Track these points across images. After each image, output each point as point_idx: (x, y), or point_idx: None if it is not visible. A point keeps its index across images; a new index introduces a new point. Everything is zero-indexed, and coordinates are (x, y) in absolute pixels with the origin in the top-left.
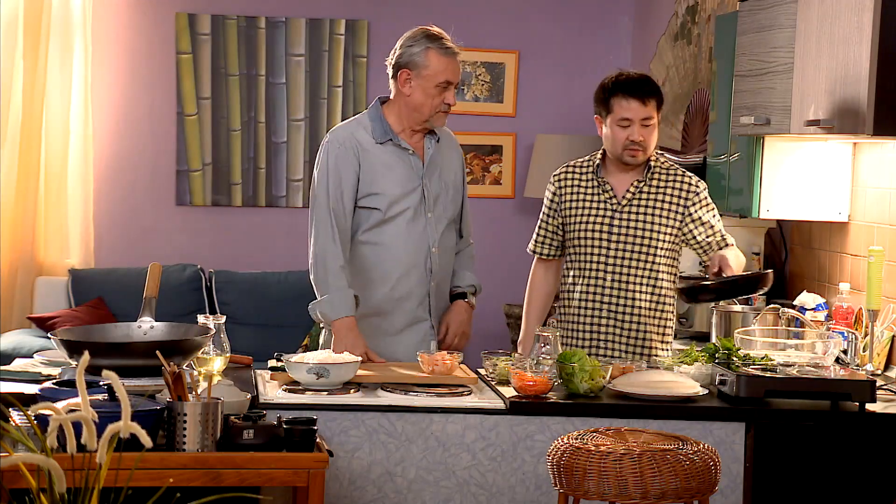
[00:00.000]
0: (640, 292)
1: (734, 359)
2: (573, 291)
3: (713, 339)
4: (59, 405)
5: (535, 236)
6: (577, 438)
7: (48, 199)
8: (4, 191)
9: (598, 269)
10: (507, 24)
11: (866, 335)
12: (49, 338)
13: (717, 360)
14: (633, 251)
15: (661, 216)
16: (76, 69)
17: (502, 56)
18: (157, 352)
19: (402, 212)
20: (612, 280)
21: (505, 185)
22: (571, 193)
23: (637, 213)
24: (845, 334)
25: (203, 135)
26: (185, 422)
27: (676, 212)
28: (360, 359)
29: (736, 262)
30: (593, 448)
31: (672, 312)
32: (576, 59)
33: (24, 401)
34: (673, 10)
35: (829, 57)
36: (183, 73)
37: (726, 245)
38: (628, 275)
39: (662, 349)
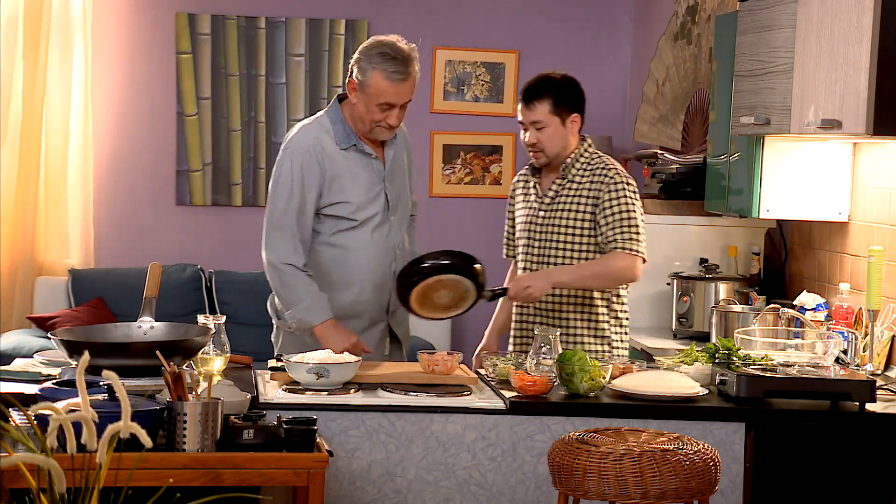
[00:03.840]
0: (568, 295)
1: (734, 359)
2: None
3: (713, 339)
4: (59, 405)
5: (503, 241)
6: (577, 438)
7: (48, 199)
8: (4, 191)
9: (525, 268)
10: (507, 24)
11: (866, 335)
12: (49, 338)
13: (717, 360)
14: (555, 248)
15: (579, 212)
16: (76, 69)
17: (502, 56)
18: (157, 352)
19: (370, 218)
20: None
21: (505, 186)
22: (515, 197)
23: (557, 211)
24: (845, 334)
25: (203, 135)
26: (185, 422)
27: (595, 205)
28: (359, 359)
29: (572, 274)
30: (593, 448)
31: (607, 308)
32: (576, 59)
33: (24, 401)
34: (673, 10)
35: (829, 57)
36: (183, 73)
37: (612, 249)
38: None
39: (596, 346)
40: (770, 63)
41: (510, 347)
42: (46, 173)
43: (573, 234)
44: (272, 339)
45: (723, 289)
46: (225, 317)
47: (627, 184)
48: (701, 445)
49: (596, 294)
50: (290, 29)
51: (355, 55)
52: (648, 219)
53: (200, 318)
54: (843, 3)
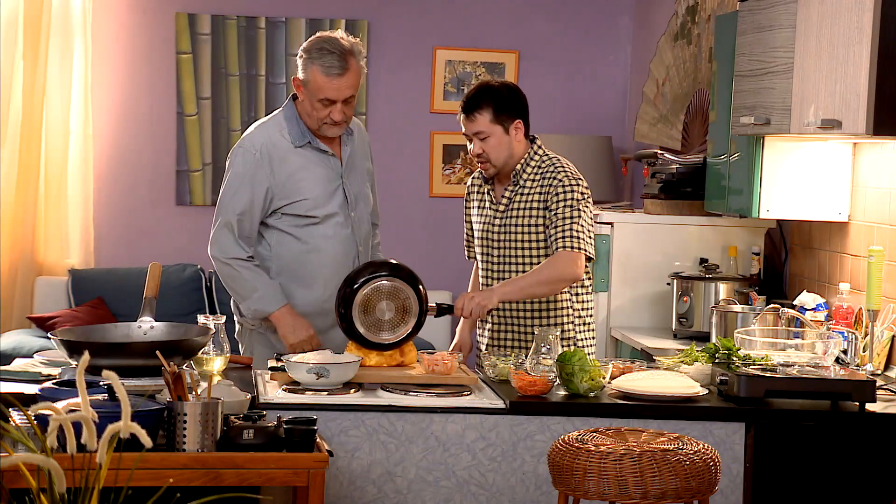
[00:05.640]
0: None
1: (734, 359)
2: None
3: (713, 339)
4: (59, 405)
5: (464, 243)
6: (577, 438)
7: (48, 199)
8: (4, 191)
9: (486, 276)
10: (507, 24)
11: (866, 335)
12: (49, 338)
13: (717, 360)
14: (513, 255)
15: (532, 217)
16: (76, 69)
17: (502, 56)
18: (157, 352)
19: (331, 215)
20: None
21: None
22: (471, 202)
23: (512, 219)
24: (845, 334)
25: (203, 135)
26: (185, 422)
27: (546, 209)
28: (359, 358)
29: (515, 285)
30: (593, 448)
31: (571, 309)
32: (576, 59)
33: (24, 401)
34: (673, 10)
35: (829, 57)
36: (183, 73)
37: (556, 248)
38: (513, 273)
39: (563, 347)
40: (770, 63)
41: (483, 349)
42: (46, 173)
43: (529, 241)
44: (236, 337)
45: (723, 289)
46: (225, 317)
47: (576, 183)
48: (701, 445)
49: (562, 300)
50: (290, 29)
51: (299, 52)
52: (648, 219)
53: (200, 318)
54: (843, 3)
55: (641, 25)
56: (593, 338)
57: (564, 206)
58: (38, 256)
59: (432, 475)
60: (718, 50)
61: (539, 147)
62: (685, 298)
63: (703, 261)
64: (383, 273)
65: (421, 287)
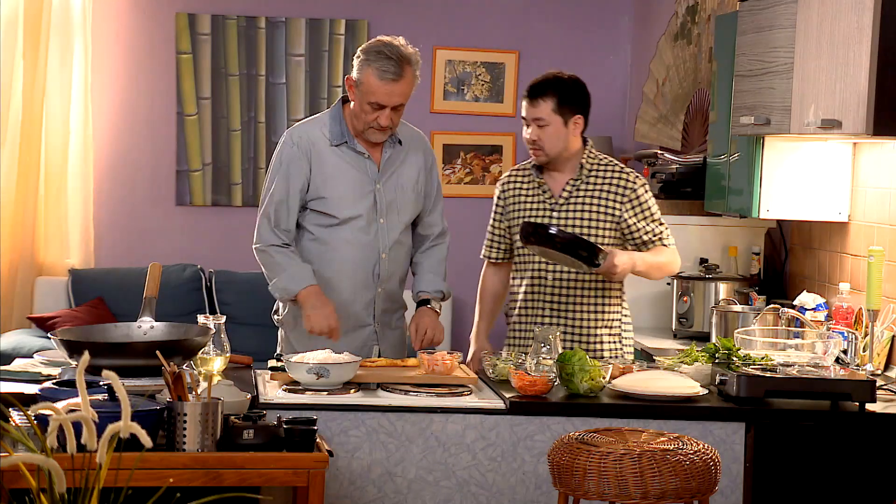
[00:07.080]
0: (583, 290)
1: (734, 359)
2: (518, 292)
3: (713, 339)
4: (59, 405)
5: (485, 241)
6: (577, 438)
7: (48, 199)
8: (4, 191)
9: (539, 270)
10: (507, 24)
11: (866, 335)
12: (49, 338)
13: (717, 360)
14: None
15: (599, 213)
16: (76, 69)
17: (502, 56)
18: (157, 352)
19: (354, 218)
20: (554, 279)
21: None
22: (514, 197)
23: (575, 212)
24: (845, 334)
25: (203, 135)
26: (185, 422)
27: (615, 208)
28: (359, 358)
29: (644, 261)
30: (593, 448)
31: (620, 308)
32: (576, 59)
33: (24, 401)
34: (673, 10)
35: (829, 57)
36: (183, 73)
37: (655, 244)
38: (568, 272)
39: (611, 346)
40: (770, 63)
41: (514, 331)
42: (46, 173)
43: (595, 234)
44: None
45: (723, 289)
46: (225, 317)
47: (646, 183)
48: (701, 445)
49: (613, 294)
50: (290, 29)
51: (357, 52)
52: None
53: (200, 318)
54: (843, 3)
55: (641, 25)
56: (632, 334)
57: (651, 205)
58: (38, 256)
59: (432, 475)
60: (718, 50)
61: (592, 146)
62: (685, 298)
63: (703, 261)
64: (577, 253)
65: (598, 258)
